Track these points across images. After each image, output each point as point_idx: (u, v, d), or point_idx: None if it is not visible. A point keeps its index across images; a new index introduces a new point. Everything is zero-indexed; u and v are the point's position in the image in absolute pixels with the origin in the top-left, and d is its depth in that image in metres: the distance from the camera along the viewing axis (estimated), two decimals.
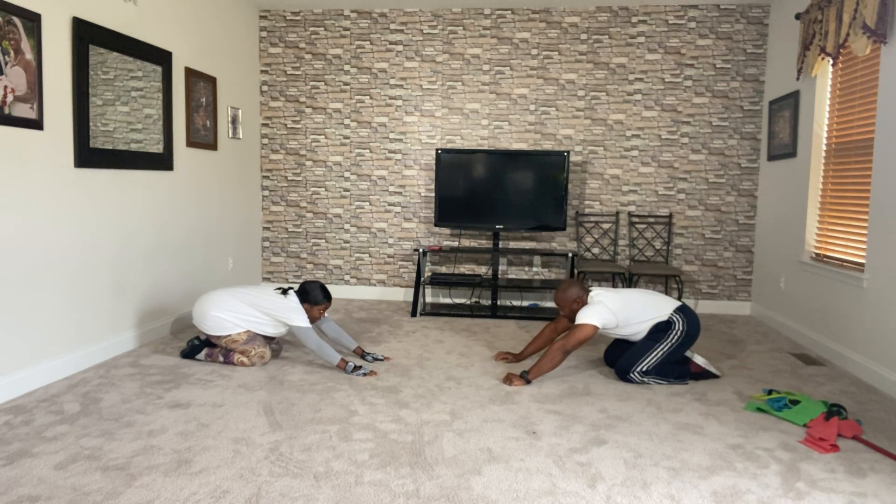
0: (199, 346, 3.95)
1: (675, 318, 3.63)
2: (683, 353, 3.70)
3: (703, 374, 3.73)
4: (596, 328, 3.54)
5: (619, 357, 3.77)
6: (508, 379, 3.57)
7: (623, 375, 3.65)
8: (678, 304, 3.71)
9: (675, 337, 3.60)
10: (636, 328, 3.66)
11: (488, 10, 5.77)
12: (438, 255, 6.03)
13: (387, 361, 4.00)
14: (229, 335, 3.82)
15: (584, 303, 3.69)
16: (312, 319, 3.84)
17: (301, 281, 6.21)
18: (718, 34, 5.59)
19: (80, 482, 2.37)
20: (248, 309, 3.81)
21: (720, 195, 5.71)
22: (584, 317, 3.55)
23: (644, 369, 3.61)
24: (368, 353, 4.01)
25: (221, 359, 3.87)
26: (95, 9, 3.77)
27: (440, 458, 2.62)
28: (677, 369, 3.66)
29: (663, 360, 3.61)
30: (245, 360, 3.82)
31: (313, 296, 3.81)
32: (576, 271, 5.49)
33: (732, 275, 5.76)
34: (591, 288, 3.77)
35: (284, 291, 3.83)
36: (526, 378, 3.55)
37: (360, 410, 3.15)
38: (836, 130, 4.38)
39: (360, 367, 3.70)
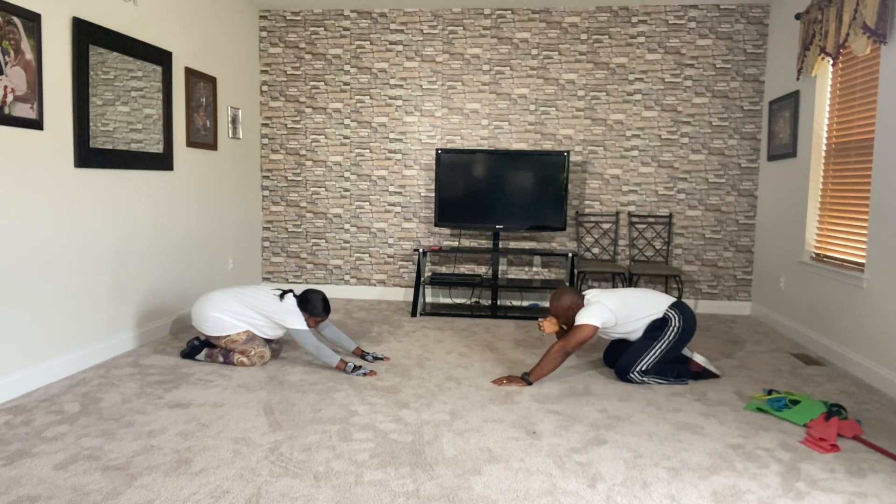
0: (199, 347, 3.95)
1: (671, 315, 3.63)
2: (681, 350, 3.70)
3: (704, 374, 3.74)
4: (596, 328, 3.54)
5: (619, 357, 3.77)
6: (500, 381, 3.57)
7: (623, 376, 3.65)
8: (673, 300, 3.72)
9: (672, 334, 3.61)
10: (634, 325, 3.66)
11: (488, 10, 5.77)
12: (438, 255, 6.03)
13: (386, 361, 4.00)
14: (228, 335, 3.82)
15: (580, 306, 3.68)
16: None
17: (301, 282, 6.21)
18: (718, 34, 5.59)
19: (80, 482, 2.37)
20: (245, 310, 3.81)
21: (720, 195, 5.71)
22: (584, 317, 3.55)
23: (643, 368, 3.61)
24: (368, 353, 4.01)
25: (221, 359, 3.87)
26: (95, 9, 3.77)
27: (440, 458, 2.62)
28: (677, 368, 3.66)
29: (662, 357, 3.61)
30: (245, 360, 3.82)
31: (312, 306, 3.81)
32: (576, 271, 5.49)
33: (732, 275, 5.76)
34: (585, 292, 3.76)
35: (281, 296, 3.83)
36: (527, 380, 3.55)
37: (360, 410, 3.15)
38: (836, 130, 4.38)
39: (360, 367, 3.70)
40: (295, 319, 3.73)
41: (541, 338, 4.71)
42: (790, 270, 4.94)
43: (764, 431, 2.98)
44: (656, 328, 3.63)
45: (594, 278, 5.87)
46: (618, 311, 3.60)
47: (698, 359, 3.75)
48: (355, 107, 5.99)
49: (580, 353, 4.28)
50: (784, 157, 5.05)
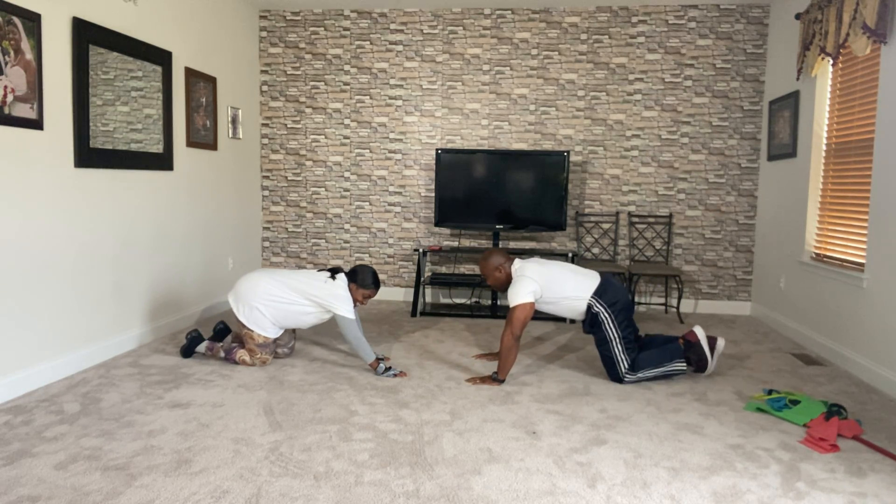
0: (200, 338, 3.95)
1: (597, 309, 3.62)
2: (631, 325, 3.66)
3: (694, 345, 3.70)
4: (531, 303, 3.57)
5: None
6: (474, 380, 3.60)
7: (619, 382, 3.65)
8: (597, 283, 3.68)
9: (610, 323, 3.61)
10: (557, 304, 3.67)
11: (488, 10, 5.77)
12: (438, 255, 6.03)
13: (386, 361, 4.00)
14: (253, 331, 3.79)
15: (505, 271, 3.73)
16: (354, 301, 3.79)
17: None
18: (718, 34, 5.59)
19: (80, 482, 2.37)
20: (294, 296, 3.73)
21: (720, 195, 5.71)
22: (515, 297, 3.57)
23: (627, 367, 3.61)
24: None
25: (223, 354, 3.87)
26: (95, 9, 3.77)
27: (440, 458, 2.62)
28: (669, 351, 3.65)
29: (626, 343, 3.61)
30: (247, 358, 3.82)
31: (362, 278, 3.78)
32: None
33: (732, 275, 5.76)
34: (514, 258, 3.81)
35: (333, 275, 3.78)
36: (497, 379, 3.57)
37: (360, 410, 3.15)
38: (836, 130, 4.38)
39: (391, 367, 3.70)
40: (343, 305, 3.67)
41: (534, 335, 4.71)
42: (790, 270, 4.94)
43: (764, 431, 2.98)
44: (596, 327, 3.63)
45: None
46: (541, 280, 3.63)
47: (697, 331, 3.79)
48: (355, 107, 5.99)
49: (580, 353, 4.28)
50: (784, 157, 5.05)
